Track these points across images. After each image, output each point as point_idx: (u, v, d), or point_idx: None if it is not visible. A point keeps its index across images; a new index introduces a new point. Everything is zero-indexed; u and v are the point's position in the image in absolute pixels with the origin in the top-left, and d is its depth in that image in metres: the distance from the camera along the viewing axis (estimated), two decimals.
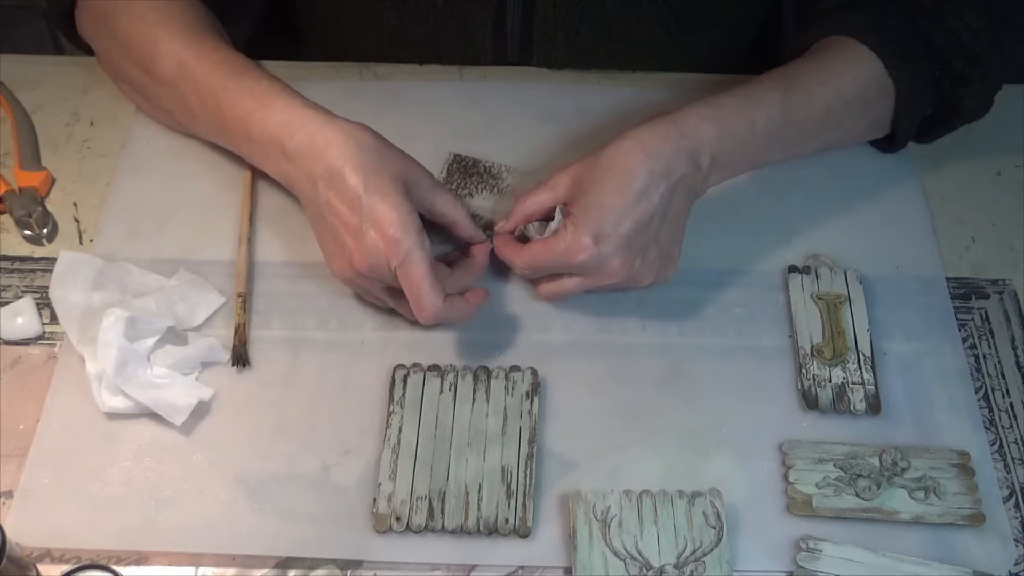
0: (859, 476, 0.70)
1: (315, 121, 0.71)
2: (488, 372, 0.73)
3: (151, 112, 0.85)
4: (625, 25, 0.88)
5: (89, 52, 0.87)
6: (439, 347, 0.75)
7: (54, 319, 0.75)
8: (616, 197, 0.70)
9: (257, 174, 0.83)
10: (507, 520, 0.68)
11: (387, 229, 0.67)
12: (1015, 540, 0.68)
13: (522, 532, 0.67)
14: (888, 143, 0.85)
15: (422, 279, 0.67)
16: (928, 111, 0.81)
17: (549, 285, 0.75)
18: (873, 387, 0.74)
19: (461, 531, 0.67)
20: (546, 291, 0.75)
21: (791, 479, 0.70)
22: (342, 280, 0.73)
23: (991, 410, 0.74)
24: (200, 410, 0.71)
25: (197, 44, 0.77)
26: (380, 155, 0.70)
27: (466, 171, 0.84)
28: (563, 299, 0.76)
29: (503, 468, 0.69)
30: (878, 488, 0.69)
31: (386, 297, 0.73)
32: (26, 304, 0.76)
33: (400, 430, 0.71)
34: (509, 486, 0.69)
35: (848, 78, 0.77)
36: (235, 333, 0.75)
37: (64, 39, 0.88)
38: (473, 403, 0.72)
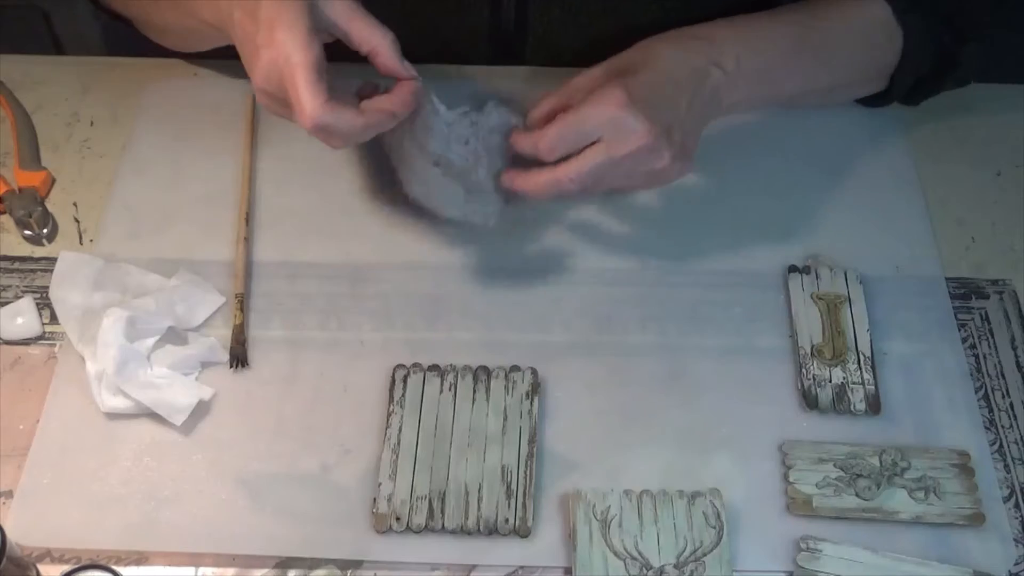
0: (859, 476, 0.70)
1: None
2: (488, 372, 0.73)
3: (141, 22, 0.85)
4: None
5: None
6: (439, 347, 0.75)
7: (54, 319, 0.75)
8: (650, 75, 0.71)
9: (255, 172, 0.83)
10: (507, 520, 0.68)
11: (275, 35, 0.64)
12: (1015, 540, 0.68)
13: (522, 532, 0.67)
14: (878, 100, 0.86)
15: (300, 78, 0.64)
16: (925, 67, 0.82)
17: (570, 164, 0.70)
18: (873, 387, 0.74)
19: (461, 531, 0.67)
20: (567, 170, 0.70)
21: (791, 479, 0.70)
22: (257, 96, 0.70)
23: (991, 410, 0.74)
24: (200, 410, 0.71)
25: None
26: None
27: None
28: (585, 180, 0.71)
29: (503, 468, 0.69)
30: (878, 488, 0.69)
31: (286, 112, 0.69)
32: (26, 304, 0.76)
33: (400, 430, 0.71)
34: (509, 486, 0.69)
35: (859, 18, 0.79)
36: (232, 334, 0.75)
37: None
38: (473, 403, 0.72)
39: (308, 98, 0.64)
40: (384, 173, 0.82)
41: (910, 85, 0.84)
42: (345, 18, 0.69)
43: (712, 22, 0.76)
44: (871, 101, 0.87)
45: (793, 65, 0.78)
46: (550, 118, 0.73)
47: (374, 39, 0.69)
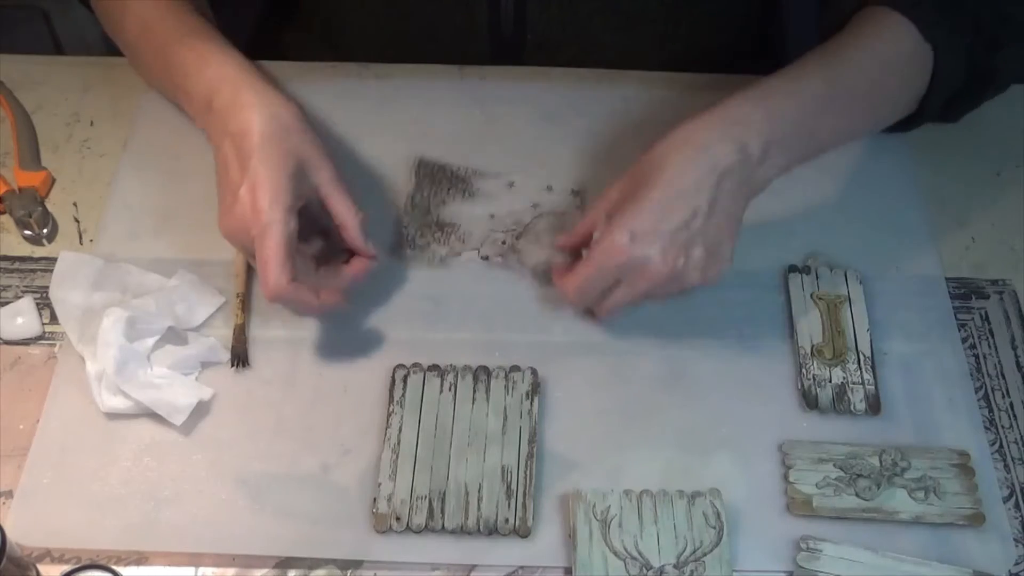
0: (859, 476, 0.70)
1: (243, 82, 0.73)
2: (488, 372, 0.73)
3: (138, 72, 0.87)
4: None
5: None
6: (439, 347, 0.75)
7: (54, 319, 0.75)
8: (656, 193, 0.68)
9: None
10: (507, 520, 0.68)
11: (257, 197, 0.68)
12: (1015, 540, 0.68)
13: (522, 532, 0.67)
14: (909, 124, 0.81)
15: (272, 253, 0.67)
16: (959, 82, 0.78)
17: (602, 306, 0.73)
18: (873, 387, 0.74)
19: (461, 531, 0.67)
20: (600, 312, 0.74)
21: (791, 479, 0.70)
22: (220, 230, 0.72)
23: (991, 410, 0.74)
24: (200, 410, 0.71)
25: (164, 5, 0.80)
26: (287, 131, 0.71)
27: (433, 177, 0.84)
28: (619, 313, 0.74)
29: (503, 468, 0.69)
30: (878, 488, 0.69)
31: (253, 263, 0.72)
32: (26, 304, 0.76)
33: (400, 430, 0.71)
34: (509, 486, 0.69)
35: (886, 46, 0.75)
36: (233, 334, 0.75)
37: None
38: (473, 403, 0.72)
39: (276, 274, 0.67)
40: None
41: (944, 103, 0.79)
42: (328, 187, 0.72)
43: (741, 94, 0.71)
44: (900, 126, 0.81)
45: (825, 122, 0.74)
46: (577, 246, 0.76)
47: (347, 215, 0.73)
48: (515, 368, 0.74)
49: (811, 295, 0.78)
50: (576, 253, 0.77)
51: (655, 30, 0.91)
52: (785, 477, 0.70)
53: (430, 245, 0.80)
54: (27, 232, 0.80)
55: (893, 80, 0.76)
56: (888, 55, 0.75)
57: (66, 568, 0.62)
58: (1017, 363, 0.76)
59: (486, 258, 0.80)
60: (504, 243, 0.80)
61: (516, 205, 0.83)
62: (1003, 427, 0.73)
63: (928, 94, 0.78)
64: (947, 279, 0.80)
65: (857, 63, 0.74)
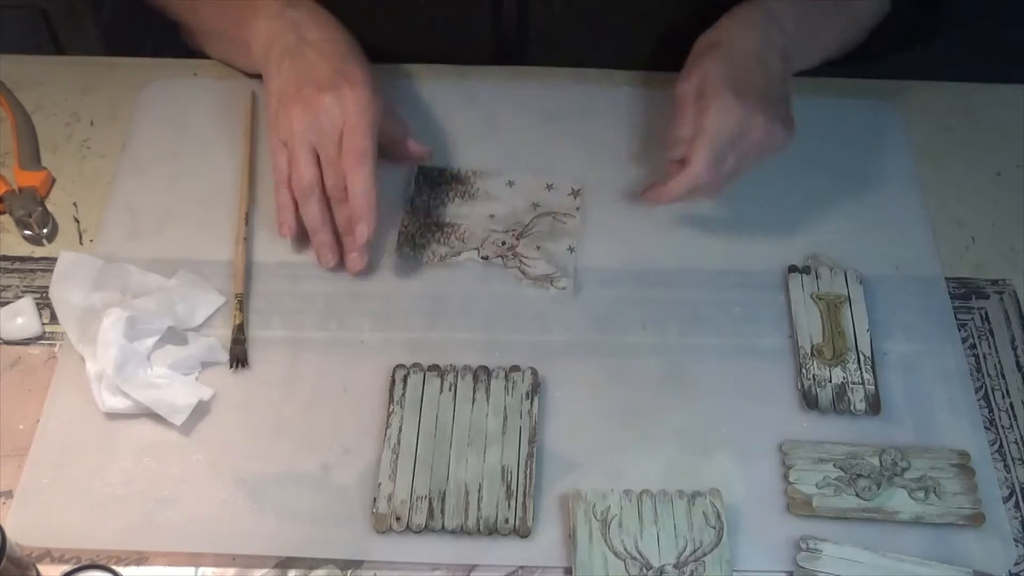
0: (859, 476, 0.70)
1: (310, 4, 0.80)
2: (488, 372, 0.73)
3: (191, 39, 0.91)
4: None
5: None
6: (439, 347, 0.75)
7: (54, 319, 0.75)
8: (740, 58, 0.75)
9: (255, 171, 0.83)
10: (507, 520, 0.68)
11: (357, 88, 0.74)
12: (1015, 540, 0.68)
13: (522, 532, 0.67)
14: (886, 39, 0.88)
15: (363, 130, 0.73)
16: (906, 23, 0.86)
17: (721, 171, 0.75)
18: (873, 387, 0.74)
19: (461, 531, 0.67)
20: (720, 181, 0.76)
21: (791, 479, 0.70)
22: (282, 135, 0.76)
23: (991, 410, 0.74)
24: (200, 410, 0.71)
25: None
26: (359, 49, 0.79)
27: (433, 182, 0.84)
28: (738, 180, 0.77)
29: (503, 468, 0.69)
30: (878, 488, 0.69)
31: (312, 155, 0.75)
32: (26, 304, 0.76)
33: (400, 430, 0.71)
34: (509, 486, 0.69)
35: None
36: (232, 334, 0.75)
37: None
38: (473, 403, 0.72)
39: (368, 141, 0.73)
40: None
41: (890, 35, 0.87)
42: (390, 112, 0.80)
43: None
44: (881, 46, 0.88)
45: (829, 21, 0.82)
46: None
47: (404, 129, 0.81)
48: (515, 368, 0.74)
49: (811, 295, 0.78)
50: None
51: (657, 27, 0.91)
52: (785, 477, 0.70)
53: (430, 244, 0.80)
54: (27, 232, 0.80)
55: None
56: None
57: (66, 568, 0.62)
58: (1017, 363, 0.76)
59: (486, 258, 0.80)
60: (504, 243, 0.80)
61: (516, 204, 0.83)
62: (1003, 427, 0.73)
63: (880, 27, 0.86)
64: (947, 279, 0.80)
65: None
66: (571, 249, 0.80)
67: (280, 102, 0.76)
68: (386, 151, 0.80)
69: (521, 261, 0.79)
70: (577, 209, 0.82)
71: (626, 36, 0.91)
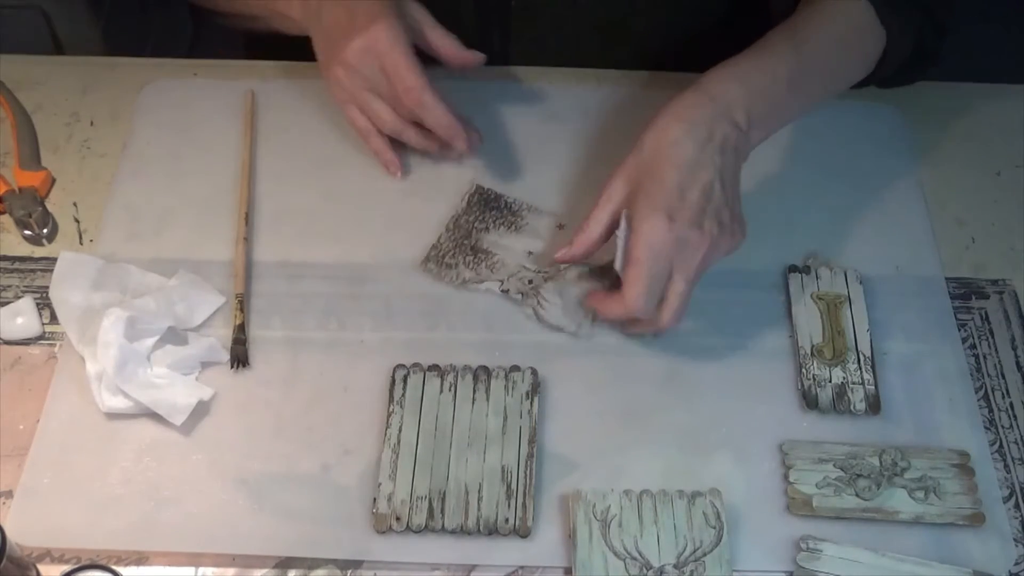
0: (859, 476, 0.70)
1: None
2: (488, 372, 0.73)
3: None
4: None
5: None
6: (439, 347, 0.75)
7: (54, 319, 0.75)
8: (672, 173, 0.70)
9: (255, 171, 0.83)
10: (507, 520, 0.68)
11: (375, 24, 0.76)
12: (1015, 540, 0.68)
13: (522, 532, 0.67)
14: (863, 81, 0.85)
15: (403, 61, 0.76)
16: (904, 59, 0.82)
17: (665, 307, 0.71)
18: (873, 387, 0.74)
19: (461, 531, 0.67)
20: (667, 313, 0.71)
21: (791, 479, 0.70)
22: (343, 96, 0.80)
23: (991, 410, 0.74)
24: (200, 410, 0.71)
25: None
26: None
27: (487, 204, 0.83)
28: (684, 309, 0.72)
29: (503, 468, 0.69)
30: (878, 488, 0.69)
31: (369, 89, 0.79)
32: (26, 304, 0.76)
33: (400, 430, 0.71)
34: (509, 486, 0.69)
35: (845, 26, 0.79)
36: (233, 334, 0.75)
37: None
38: (473, 403, 0.72)
39: (414, 75, 0.76)
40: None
41: (892, 72, 0.83)
42: (424, 22, 0.81)
43: (714, 74, 0.74)
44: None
45: (795, 94, 0.76)
46: (589, 249, 0.74)
47: (445, 40, 0.81)
48: (515, 368, 0.74)
49: (811, 295, 0.78)
50: (600, 272, 0.77)
51: (641, 13, 0.91)
52: (785, 477, 0.70)
53: (458, 266, 0.79)
54: (27, 232, 0.80)
55: (850, 56, 0.81)
56: (847, 35, 0.79)
57: (66, 568, 0.62)
58: (1017, 363, 0.76)
59: (506, 291, 0.78)
60: (531, 282, 0.79)
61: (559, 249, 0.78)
62: (1003, 427, 0.73)
63: (876, 68, 0.82)
64: (947, 279, 0.80)
65: (820, 42, 0.78)
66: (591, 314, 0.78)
67: (325, 64, 0.80)
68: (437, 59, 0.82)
69: (539, 303, 0.78)
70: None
71: (610, 31, 0.91)
